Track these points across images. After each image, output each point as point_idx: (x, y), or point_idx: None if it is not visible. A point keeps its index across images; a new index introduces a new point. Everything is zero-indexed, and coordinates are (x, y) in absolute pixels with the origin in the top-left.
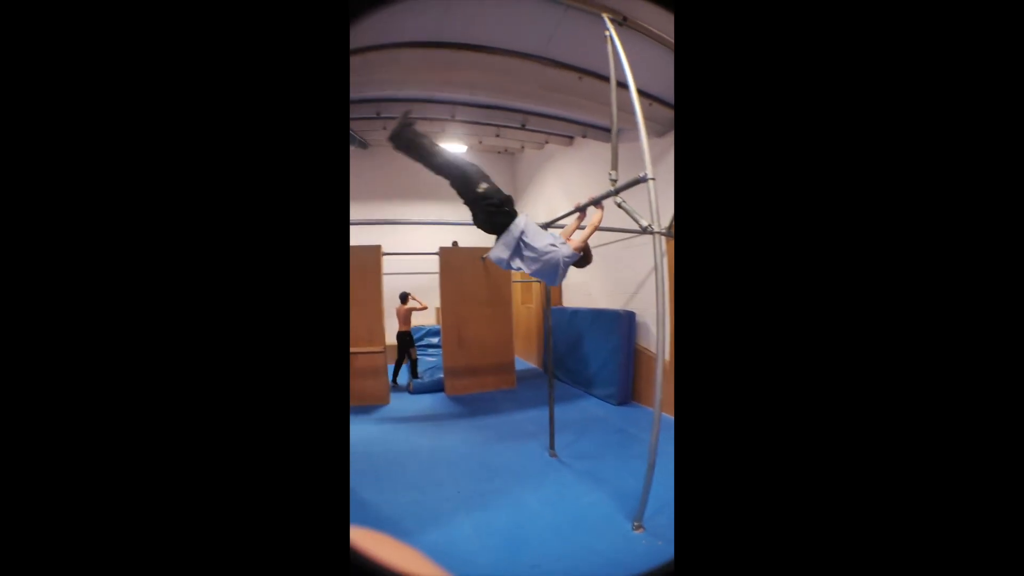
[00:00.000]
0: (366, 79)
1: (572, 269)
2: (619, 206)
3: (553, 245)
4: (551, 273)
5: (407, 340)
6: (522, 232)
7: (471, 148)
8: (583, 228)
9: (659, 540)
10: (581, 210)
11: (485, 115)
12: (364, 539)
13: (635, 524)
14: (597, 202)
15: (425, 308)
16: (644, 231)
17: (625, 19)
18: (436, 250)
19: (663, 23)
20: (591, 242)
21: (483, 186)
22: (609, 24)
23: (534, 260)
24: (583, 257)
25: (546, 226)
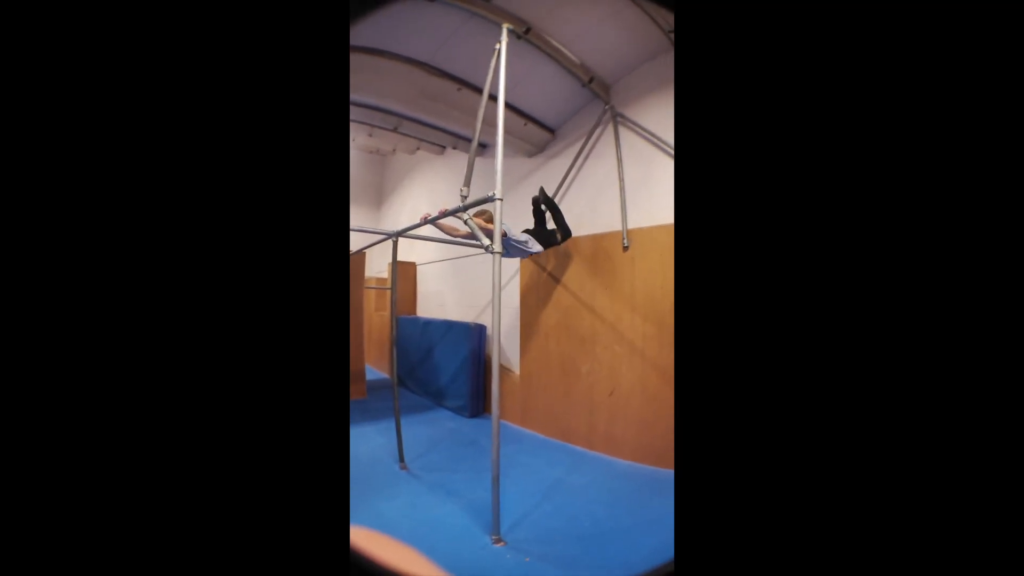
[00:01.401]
0: None
1: (428, 279)
2: (465, 223)
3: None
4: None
5: None
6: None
7: None
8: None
9: (526, 556)
10: (429, 222)
11: (360, 114)
12: (364, 539)
13: (494, 538)
14: (446, 215)
15: None
16: (486, 250)
17: (528, 30)
18: None
19: (570, 36)
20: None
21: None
22: (504, 36)
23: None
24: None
25: (401, 233)
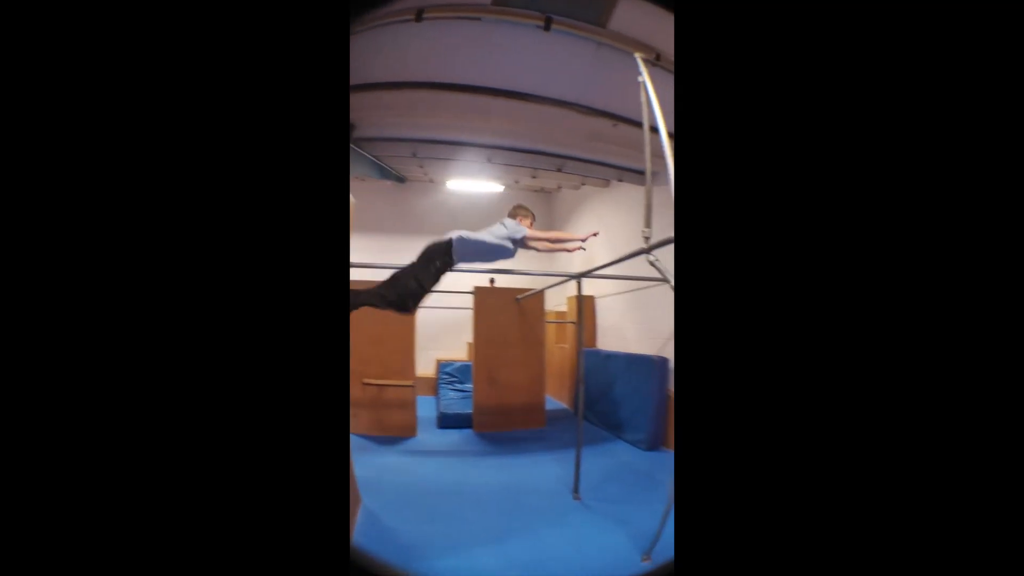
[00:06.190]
0: (405, 120)
1: (606, 311)
2: (652, 264)
3: (501, 237)
4: (497, 254)
5: None
6: (462, 241)
7: (508, 188)
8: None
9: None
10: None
11: (521, 158)
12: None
13: (643, 556)
14: (626, 258)
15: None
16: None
17: (658, 57)
18: (471, 289)
19: None
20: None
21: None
22: (642, 67)
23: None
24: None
25: (585, 275)
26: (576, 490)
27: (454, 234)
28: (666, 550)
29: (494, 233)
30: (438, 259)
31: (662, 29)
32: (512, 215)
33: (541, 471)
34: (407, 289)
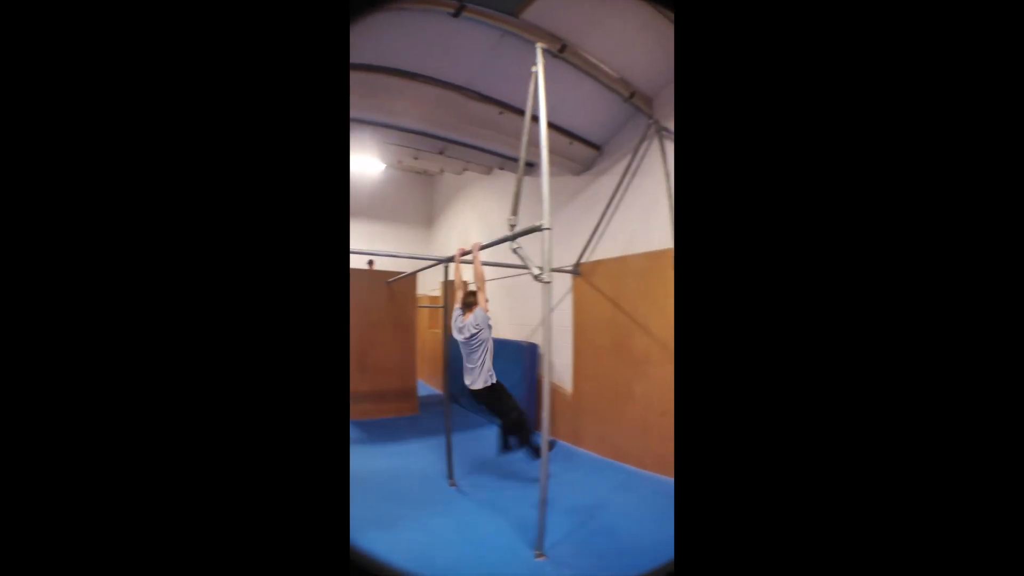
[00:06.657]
0: None
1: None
2: (514, 252)
3: (480, 327)
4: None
5: None
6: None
7: (389, 167)
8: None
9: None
10: (483, 248)
11: (404, 137)
12: None
13: (536, 552)
14: (487, 246)
15: None
16: (536, 279)
17: (564, 47)
18: None
19: (606, 51)
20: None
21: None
22: (540, 57)
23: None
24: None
25: (452, 260)
26: (451, 476)
27: (491, 377)
28: (557, 546)
29: (482, 337)
30: (504, 391)
31: (576, 21)
32: (468, 306)
33: (416, 458)
34: (520, 417)
